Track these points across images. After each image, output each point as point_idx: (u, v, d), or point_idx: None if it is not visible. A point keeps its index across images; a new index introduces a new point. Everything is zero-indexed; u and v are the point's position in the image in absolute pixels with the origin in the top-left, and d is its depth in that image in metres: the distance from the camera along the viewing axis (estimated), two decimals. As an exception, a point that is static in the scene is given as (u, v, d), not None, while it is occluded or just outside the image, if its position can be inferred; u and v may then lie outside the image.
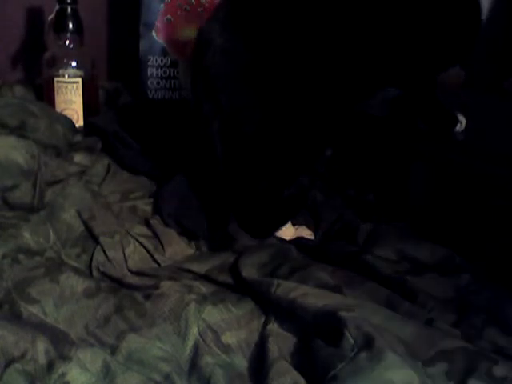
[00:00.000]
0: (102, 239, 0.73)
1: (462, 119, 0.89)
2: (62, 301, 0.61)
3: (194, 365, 0.55)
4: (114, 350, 0.55)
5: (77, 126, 1.06)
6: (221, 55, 0.75)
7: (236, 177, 0.79)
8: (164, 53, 1.20)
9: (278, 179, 0.80)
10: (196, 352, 0.56)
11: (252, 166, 0.78)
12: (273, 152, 0.77)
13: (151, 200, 0.85)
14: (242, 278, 0.66)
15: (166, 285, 0.64)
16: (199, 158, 0.82)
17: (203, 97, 0.76)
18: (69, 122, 1.02)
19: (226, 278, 0.68)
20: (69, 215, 0.77)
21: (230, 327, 0.59)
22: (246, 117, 0.75)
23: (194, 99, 0.79)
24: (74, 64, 1.08)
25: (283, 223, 0.81)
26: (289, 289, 0.60)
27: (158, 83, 1.21)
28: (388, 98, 0.95)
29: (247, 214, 0.80)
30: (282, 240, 0.79)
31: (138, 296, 0.62)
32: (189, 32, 1.18)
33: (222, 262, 0.72)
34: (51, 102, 1.07)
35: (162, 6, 1.18)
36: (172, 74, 1.21)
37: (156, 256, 0.74)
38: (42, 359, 0.53)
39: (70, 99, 1.07)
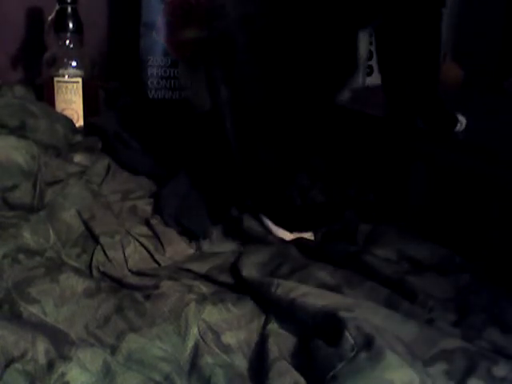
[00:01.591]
0: (102, 239, 0.73)
1: (462, 119, 0.89)
2: (62, 301, 0.61)
3: (194, 365, 0.55)
4: (114, 350, 0.55)
5: (77, 125, 1.06)
6: (235, 23, 0.76)
7: (247, 159, 0.79)
8: (164, 53, 1.20)
9: (284, 159, 0.80)
10: (196, 352, 0.56)
11: (258, 144, 0.79)
12: (278, 128, 0.78)
13: (151, 200, 0.85)
14: (242, 277, 0.66)
15: (166, 285, 0.64)
16: (204, 153, 0.82)
17: (215, 66, 0.78)
18: (69, 122, 1.03)
19: (225, 278, 0.68)
20: (69, 215, 0.77)
21: (230, 327, 0.59)
22: (254, 87, 0.76)
23: (206, 70, 0.80)
24: (74, 64, 1.08)
25: (309, 224, 0.82)
26: (289, 289, 0.60)
27: (158, 83, 1.21)
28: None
29: (264, 202, 0.80)
30: (282, 240, 0.79)
31: (138, 296, 0.62)
32: (189, 32, 1.18)
33: (222, 262, 0.72)
34: (51, 102, 1.07)
35: (161, 5, 1.18)
36: (172, 74, 1.21)
37: (156, 256, 0.74)
38: (42, 359, 0.53)
39: (70, 99, 1.07)
